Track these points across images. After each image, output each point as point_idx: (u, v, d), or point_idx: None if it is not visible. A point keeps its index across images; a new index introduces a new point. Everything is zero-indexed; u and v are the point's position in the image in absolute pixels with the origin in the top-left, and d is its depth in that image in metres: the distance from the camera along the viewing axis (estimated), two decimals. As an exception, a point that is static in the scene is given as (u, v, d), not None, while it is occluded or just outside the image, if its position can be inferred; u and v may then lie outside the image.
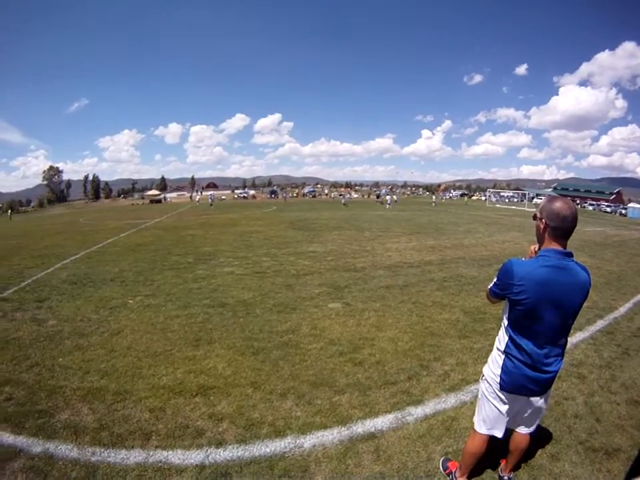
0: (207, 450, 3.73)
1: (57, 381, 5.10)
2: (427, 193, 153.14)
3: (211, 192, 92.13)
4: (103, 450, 3.76)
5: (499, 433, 3.07)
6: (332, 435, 3.93)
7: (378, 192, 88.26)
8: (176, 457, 3.65)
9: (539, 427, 3.23)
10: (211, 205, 59.06)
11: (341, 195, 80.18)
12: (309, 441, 3.85)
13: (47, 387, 4.95)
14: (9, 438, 3.95)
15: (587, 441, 3.88)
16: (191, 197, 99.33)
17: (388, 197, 55.09)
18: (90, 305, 8.26)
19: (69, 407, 4.50)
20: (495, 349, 2.98)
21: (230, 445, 3.81)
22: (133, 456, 3.67)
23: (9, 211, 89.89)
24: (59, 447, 3.80)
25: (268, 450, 3.72)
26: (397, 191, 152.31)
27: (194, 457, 3.65)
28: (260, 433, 3.99)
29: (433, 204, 58.54)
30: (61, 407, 4.49)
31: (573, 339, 6.32)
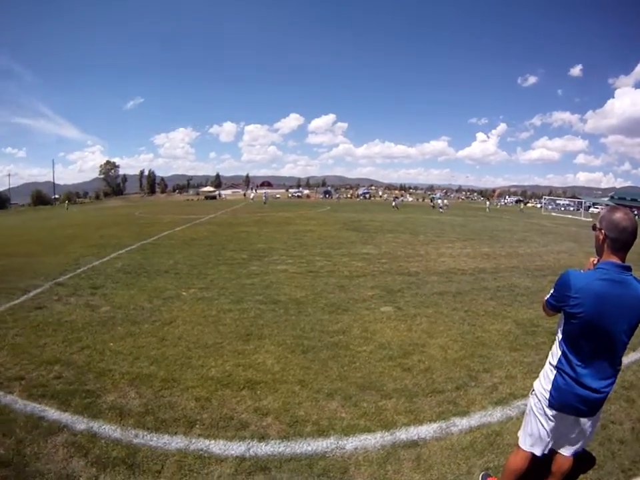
0: (249, 443, 3.76)
1: (107, 364, 5.25)
2: (482, 198, 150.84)
3: (265, 190, 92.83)
4: (145, 433, 3.85)
5: (542, 451, 2.97)
6: (375, 439, 3.90)
7: (432, 196, 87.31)
8: (217, 446, 3.69)
9: (582, 450, 3.14)
10: (265, 202, 59.45)
11: (395, 198, 79.36)
12: (351, 443, 3.83)
13: (96, 368, 5.10)
14: (54, 414, 4.10)
15: (629, 469, 3.69)
16: (244, 194, 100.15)
17: (440, 201, 54.64)
18: (143, 294, 8.45)
19: (117, 389, 4.63)
20: (547, 363, 2.89)
21: (272, 439, 3.83)
22: (175, 442, 3.73)
23: (66, 201, 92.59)
24: (103, 427, 3.91)
25: (309, 448, 3.72)
26: (452, 196, 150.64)
27: (235, 448, 3.68)
28: (303, 430, 3.99)
29: (487, 210, 57.36)
30: (109, 389, 4.62)
31: (625, 359, 6.00)
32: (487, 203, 68.82)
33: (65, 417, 4.05)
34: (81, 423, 3.96)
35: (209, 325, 6.77)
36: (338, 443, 3.82)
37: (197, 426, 4.01)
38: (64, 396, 4.43)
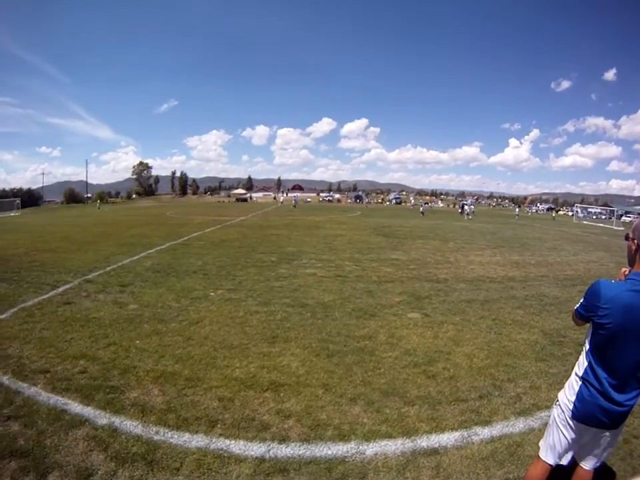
0: (269, 444, 3.78)
1: (132, 361, 5.33)
2: (513, 205, 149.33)
3: (295, 194, 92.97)
4: (167, 430, 3.90)
5: (563, 463, 2.95)
6: (395, 446, 3.89)
7: (463, 202, 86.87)
8: (238, 446, 3.71)
9: (603, 464, 3.10)
10: (294, 206, 59.75)
11: (426, 204, 78.80)
12: (371, 448, 3.82)
13: (121, 365, 5.18)
14: (76, 407, 4.19)
15: None
16: (275, 197, 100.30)
17: (467, 208, 54.44)
18: (171, 294, 8.55)
19: (140, 386, 4.70)
20: (573, 373, 2.86)
21: (293, 442, 3.84)
22: (196, 440, 3.77)
23: (99, 200, 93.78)
24: (124, 422, 3.98)
25: (330, 452, 3.73)
26: (483, 202, 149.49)
27: (255, 449, 3.70)
28: (324, 434, 4.00)
29: (516, 217, 56.82)
30: (132, 386, 4.69)
31: None
32: (517, 210, 68.70)
33: (87, 411, 4.14)
34: (102, 418, 4.03)
35: (235, 326, 6.82)
36: (358, 448, 3.83)
37: (219, 425, 4.04)
38: (87, 390, 4.52)
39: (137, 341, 6.00)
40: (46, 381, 4.71)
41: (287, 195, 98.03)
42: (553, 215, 72.80)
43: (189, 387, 4.75)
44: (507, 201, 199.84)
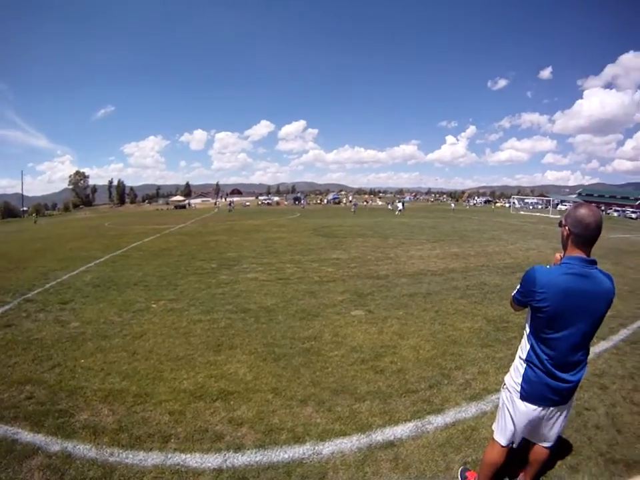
0: (225, 454, 3.74)
1: (78, 381, 5.16)
2: (450, 200, 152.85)
3: (230, 199, 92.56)
4: (121, 451, 3.79)
5: (518, 443, 3.04)
6: (351, 443, 3.91)
7: (400, 199, 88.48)
8: (194, 460, 3.66)
9: (559, 438, 3.18)
10: (230, 211, 59.19)
11: (365, 202, 79.62)
12: (327, 447, 3.84)
13: (67, 387, 5.01)
14: (27, 436, 4.00)
15: (607, 452, 3.81)
16: (215, 202, 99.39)
17: (400, 204, 55.43)
18: (113, 308, 8.35)
19: (89, 407, 4.55)
20: (517, 357, 2.95)
21: (248, 449, 3.81)
22: (151, 458, 3.69)
23: (34, 214, 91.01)
24: (77, 447, 3.84)
25: (286, 456, 3.72)
26: (421, 198, 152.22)
27: (212, 460, 3.65)
28: (279, 438, 3.99)
29: (452, 211, 58.26)
30: (81, 407, 4.54)
31: (596, 348, 6.24)
32: (452, 204, 70.45)
33: (39, 439, 3.98)
34: (55, 444, 3.89)
35: (179, 336, 6.72)
36: (314, 448, 3.83)
37: (172, 440, 3.97)
38: (37, 416, 4.35)
39: (82, 360, 5.83)
40: (-7, 411, 4.53)
41: (225, 200, 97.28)
42: (493, 206, 74.87)
43: (138, 403, 4.65)
44: (445, 196, 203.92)
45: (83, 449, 3.81)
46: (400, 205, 55.46)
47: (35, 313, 8.09)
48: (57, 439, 3.97)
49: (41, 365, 5.66)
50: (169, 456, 3.72)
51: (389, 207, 69.58)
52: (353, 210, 53.28)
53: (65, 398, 4.74)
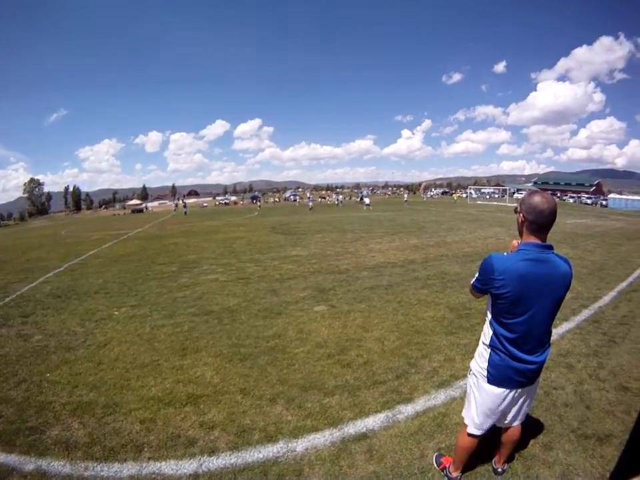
0: (199, 459, 3.73)
1: (46, 396, 5.07)
2: (408, 192, 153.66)
3: (184, 201, 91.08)
4: (95, 464, 3.74)
5: (489, 426, 3.09)
6: (324, 437, 3.95)
7: (361, 194, 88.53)
8: (169, 467, 3.64)
9: (529, 416, 3.26)
10: (185, 213, 57.13)
11: (323, 198, 79.13)
12: (301, 444, 3.87)
13: (35, 403, 4.91)
14: (0, 456, 3.92)
15: (578, 428, 3.94)
16: (176, 205, 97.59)
17: (367, 199, 55.62)
18: (75, 318, 8.21)
19: (59, 422, 4.47)
20: (480, 343, 3.00)
21: (222, 452, 3.82)
22: (126, 469, 3.66)
23: None
24: (52, 464, 3.78)
25: (261, 456, 3.73)
26: (378, 192, 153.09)
27: (187, 466, 3.64)
28: (252, 439, 4.00)
29: (406, 203, 58.23)
30: (51, 423, 4.46)
31: (560, 329, 6.42)
32: (406, 195, 70.24)
33: (12, 459, 3.89)
34: (28, 463, 3.81)
35: (144, 343, 6.65)
36: (288, 446, 3.86)
37: (146, 449, 3.94)
38: (7, 436, 4.26)
39: (48, 374, 5.71)
40: (-38, 434, 4.41)
41: (183, 201, 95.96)
42: (455, 198, 74.10)
43: (108, 414, 4.59)
44: (402, 188, 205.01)
45: (57, 466, 3.75)
46: (367, 200, 55.55)
47: (-4, 329, 7.88)
48: (30, 457, 3.90)
49: (6, 382, 5.53)
50: (144, 465, 3.69)
51: (360, 202, 69.04)
52: (310, 207, 52.87)
53: (34, 414, 4.66)
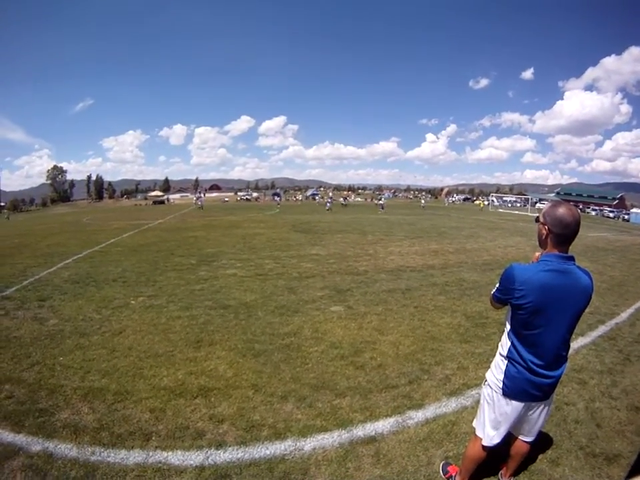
0: (206, 451, 3.73)
1: (58, 379, 5.10)
2: (430, 197, 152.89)
3: (200, 195, 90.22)
4: (102, 450, 3.75)
5: (500, 439, 3.03)
6: (332, 438, 3.93)
7: (380, 196, 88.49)
8: (175, 457, 3.65)
9: (539, 432, 3.22)
10: (201, 208, 54.39)
11: (345, 199, 78.52)
12: (309, 443, 3.85)
13: (47, 385, 4.95)
14: (8, 436, 3.95)
15: (587, 446, 3.87)
16: (197, 198, 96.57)
17: (381, 201, 55.48)
18: (92, 305, 8.27)
19: (69, 406, 4.50)
20: (497, 354, 2.96)
21: (230, 446, 3.81)
22: (133, 456, 3.66)
23: (6, 210, 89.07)
24: (59, 446, 3.80)
25: (268, 452, 3.72)
26: (400, 195, 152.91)
27: (194, 458, 3.64)
28: (260, 435, 3.99)
29: (422, 207, 57.57)
30: (61, 406, 4.49)
31: (575, 344, 6.31)
32: (422, 201, 69.23)
33: (20, 439, 3.92)
34: (36, 444, 3.84)
35: (158, 333, 6.67)
36: (296, 444, 3.84)
37: (154, 438, 3.95)
38: (17, 416, 4.28)
39: (61, 358, 5.75)
40: (-28, 411, 4.45)
41: (198, 194, 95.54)
42: (481, 206, 71.45)
43: (119, 401, 4.60)
44: (423, 193, 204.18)
45: (64, 449, 3.77)
46: (382, 202, 55.38)
47: (13, 311, 7.97)
48: (38, 438, 3.92)
49: (19, 364, 5.58)
50: (151, 454, 3.70)
51: (376, 202, 68.59)
52: (327, 208, 52.00)
53: (44, 397, 4.69)
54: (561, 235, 2.58)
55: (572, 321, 2.68)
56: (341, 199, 71.04)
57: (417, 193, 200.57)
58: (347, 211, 48.83)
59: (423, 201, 68.32)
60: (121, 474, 3.43)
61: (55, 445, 3.82)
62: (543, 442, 3.80)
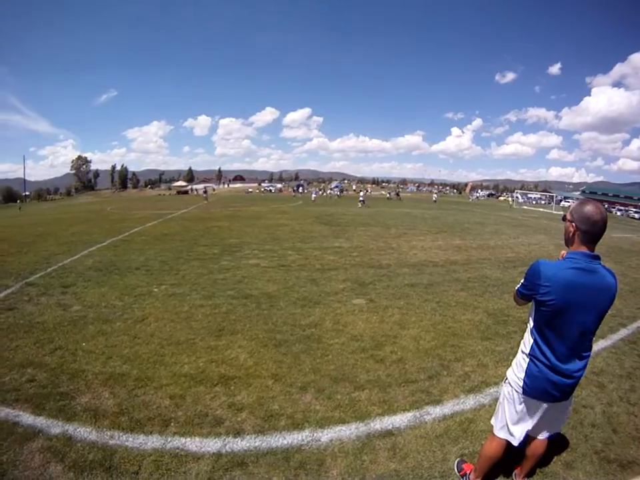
0: (224, 439, 3.76)
1: (80, 364, 5.17)
2: (455, 191, 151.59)
3: (205, 185, 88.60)
4: (121, 434, 3.81)
5: (517, 438, 3.03)
6: (349, 430, 3.94)
7: (397, 190, 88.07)
8: (193, 444, 3.68)
9: (556, 433, 3.21)
10: (206, 199, 51.53)
11: (366, 191, 77.87)
12: (326, 435, 3.87)
13: (69, 370, 5.02)
14: (28, 418, 4.02)
15: (602, 451, 3.82)
16: (211, 189, 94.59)
17: (391, 192, 55.43)
18: (115, 292, 8.37)
19: (90, 390, 4.56)
20: (519, 351, 2.95)
21: (248, 435, 3.84)
22: (151, 441, 3.71)
23: (18, 200, 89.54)
24: (78, 429, 3.86)
25: (285, 442, 3.75)
26: (424, 189, 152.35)
27: (211, 445, 3.68)
28: (278, 424, 4.01)
29: (434, 203, 55.88)
30: (82, 391, 4.55)
31: (595, 346, 6.17)
32: (434, 195, 67.33)
33: (40, 421, 3.99)
34: (55, 427, 3.90)
35: (181, 321, 6.74)
36: (313, 435, 3.86)
37: (172, 424, 3.99)
38: (38, 399, 4.35)
39: (83, 344, 5.83)
40: (-6, 393, 4.53)
41: (227, 186, 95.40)
42: (510, 202, 69.14)
43: (139, 387, 4.66)
44: (448, 187, 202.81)
45: (84, 432, 3.82)
46: (391, 193, 55.33)
47: (36, 297, 8.09)
48: (57, 421, 3.98)
49: (42, 348, 5.66)
50: (169, 440, 3.74)
51: (391, 196, 68.12)
52: (337, 194, 51.31)
53: (66, 381, 4.75)
54: (588, 233, 2.56)
55: (595, 321, 2.66)
56: (386, 193, 71.15)
57: (440, 187, 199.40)
58: (369, 204, 48.53)
59: (435, 195, 67.01)
60: (138, 458, 3.48)
61: (75, 428, 3.88)
62: (558, 444, 3.77)
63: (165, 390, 4.59)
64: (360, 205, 43.51)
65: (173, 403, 4.35)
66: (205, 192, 58.11)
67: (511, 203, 68.34)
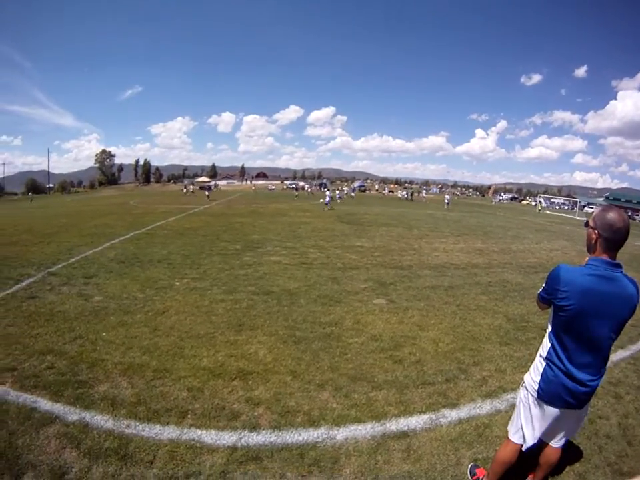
0: (240, 433, 3.78)
1: (99, 354, 5.24)
2: (477, 194, 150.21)
3: (209, 183, 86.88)
4: (138, 423, 3.85)
5: (531, 443, 2.99)
6: (365, 430, 3.94)
7: (411, 191, 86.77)
8: (209, 436, 3.71)
9: (569, 442, 3.18)
10: (208, 197, 49.68)
11: (390, 192, 77.20)
12: (341, 433, 3.87)
13: (88, 359, 5.08)
14: (46, 405, 4.08)
15: (615, 463, 3.75)
16: (253, 185, 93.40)
17: (404, 193, 55.26)
18: (136, 284, 8.46)
19: (109, 379, 4.62)
20: (537, 355, 2.93)
21: (264, 429, 3.86)
22: (167, 432, 3.75)
23: (30, 193, 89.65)
24: (95, 417, 3.91)
25: (300, 438, 3.76)
26: (446, 191, 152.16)
27: (227, 438, 3.70)
28: (294, 421, 4.02)
29: (446, 206, 49.44)
30: (101, 379, 4.61)
31: (614, 356, 6.08)
32: (447, 197, 58.74)
33: (57, 408, 4.04)
34: (73, 414, 3.95)
35: (201, 315, 6.79)
36: (329, 433, 3.86)
37: (189, 416, 4.02)
38: (56, 386, 4.41)
39: (104, 334, 5.90)
40: (14, 379, 4.58)
41: (251, 182, 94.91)
42: (539, 208, 65.50)
43: (158, 378, 4.71)
44: (471, 189, 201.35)
45: (100, 420, 3.88)
46: (405, 193, 55.44)
47: (58, 286, 8.21)
48: (75, 408, 4.04)
49: (62, 337, 5.74)
50: (185, 431, 3.77)
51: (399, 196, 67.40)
52: (352, 195, 51.20)
53: (85, 369, 4.82)
54: (610, 240, 2.54)
55: (613, 330, 2.63)
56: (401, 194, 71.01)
57: (463, 189, 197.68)
58: (391, 204, 48.31)
59: (447, 197, 55.64)
60: (153, 448, 3.52)
61: (92, 416, 3.93)
62: (572, 454, 3.73)
63: (183, 382, 4.63)
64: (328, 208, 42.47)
65: (191, 395, 4.39)
66: (209, 189, 59.45)
67: (539, 208, 65.36)
